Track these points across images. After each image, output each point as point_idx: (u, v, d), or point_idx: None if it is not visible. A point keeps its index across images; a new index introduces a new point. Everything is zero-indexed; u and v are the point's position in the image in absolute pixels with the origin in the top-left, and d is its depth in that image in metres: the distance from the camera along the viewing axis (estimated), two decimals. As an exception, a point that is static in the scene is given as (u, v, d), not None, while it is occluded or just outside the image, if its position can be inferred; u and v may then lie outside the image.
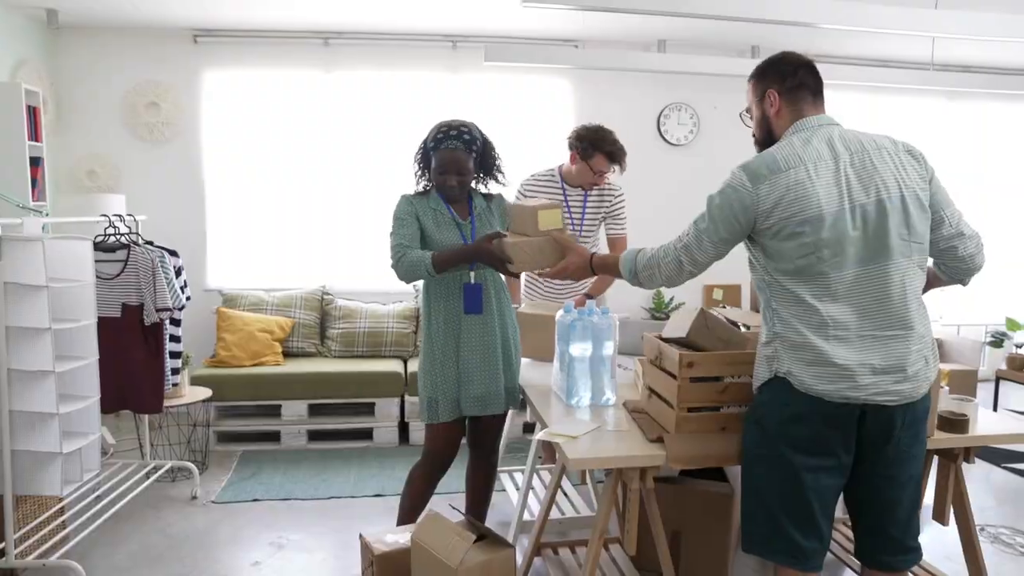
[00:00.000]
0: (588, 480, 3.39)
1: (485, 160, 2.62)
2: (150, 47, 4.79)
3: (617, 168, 3.22)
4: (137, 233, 3.41)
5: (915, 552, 1.89)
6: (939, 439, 2.16)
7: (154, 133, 4.83)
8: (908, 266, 1.76)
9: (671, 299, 5.24)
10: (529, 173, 3.38)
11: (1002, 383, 4.96)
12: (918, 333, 1.77)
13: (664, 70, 4.64)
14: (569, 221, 3.27)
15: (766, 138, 1.94)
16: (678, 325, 2.22)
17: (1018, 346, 4.95)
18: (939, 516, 2.31)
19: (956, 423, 2.17)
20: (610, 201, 3.34)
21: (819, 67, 1.97)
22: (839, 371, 1.71)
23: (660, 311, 5.18)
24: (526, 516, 2.97)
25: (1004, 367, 4.90)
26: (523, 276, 3.38)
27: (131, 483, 3.35)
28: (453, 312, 2.53)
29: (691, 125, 5.33)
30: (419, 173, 2.62)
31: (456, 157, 2.49)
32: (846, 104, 5.50)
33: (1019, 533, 3.26)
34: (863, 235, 1.73)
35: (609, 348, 2.43)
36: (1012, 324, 5.08)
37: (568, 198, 3.30)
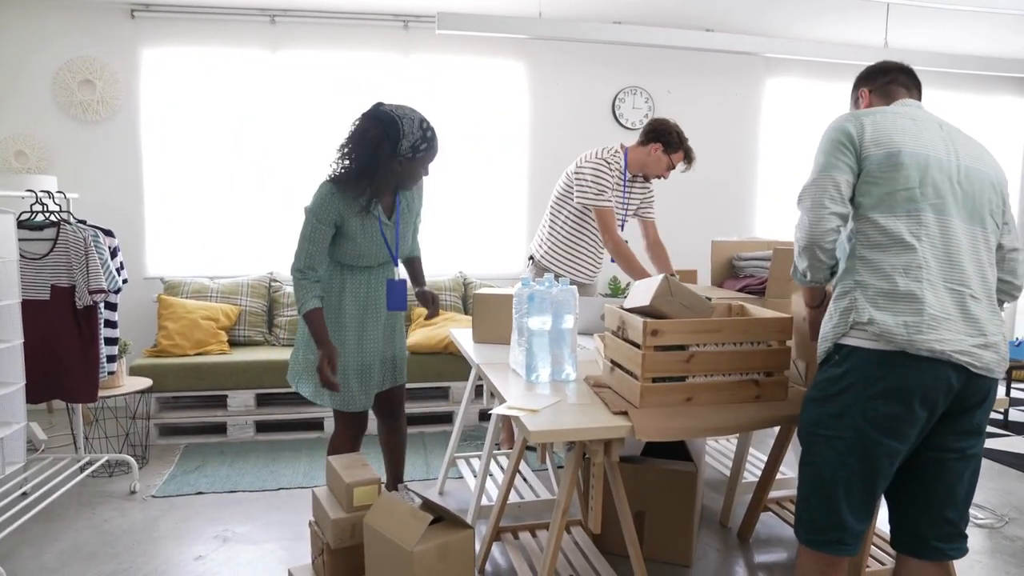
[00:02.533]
0: (548, 463, 3.32)
1: None
2: (83, 21, 4.53)
3: (687, 166, 3.48)
4: (68, 211, 3.20)
5: (966, 541, 1.79)
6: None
7: (88, 112, 4.57)
8: (994, 241, 1.76)
9: (627, 284, 5.20)
10: (591, 152, 3.38)
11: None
12: (995, 307, 1.72)
13: (620, 41, 4.58)
14: (623, 205, 3.50)
15: None
16: (641, 294, 2.15)
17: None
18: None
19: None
20: (646, 192, 3.58)
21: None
22: (926, 318, 1.60)
23: (616, 296, 5.13)
24: (484, 501, 2.87)
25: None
26: (575, 254, 3.51)
27: (62, 478, 3.15)
28: (371, 307, 2.54)
29: (646, 109, 5.30)
30: (350, 163, 2.36)
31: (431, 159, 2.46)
32: (798, 89, 5.56)
33: (973, 505, 3.29)
34: (964, 192, 1.72)
35: (569, 321, 2.35)
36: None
37: (626, 182, 3.46)
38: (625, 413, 1.95)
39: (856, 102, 2.02)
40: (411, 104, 2.48)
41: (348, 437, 2.61)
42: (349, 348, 2.51)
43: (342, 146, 2.40)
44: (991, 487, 3.54)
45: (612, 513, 2.58)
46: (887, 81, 1.93)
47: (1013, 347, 4.57)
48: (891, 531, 1.86)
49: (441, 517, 2.06)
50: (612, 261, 3.40)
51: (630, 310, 2.15)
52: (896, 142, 1.70)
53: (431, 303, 2.73)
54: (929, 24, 4.89)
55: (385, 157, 2.33)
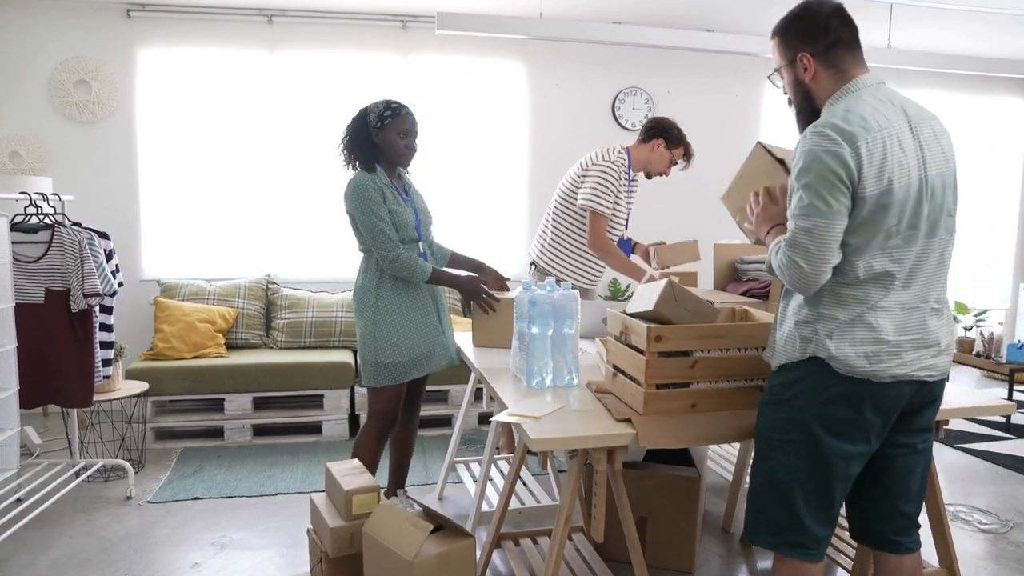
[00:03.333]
0: (549, 468, 3.28)
1: None
2: (79, 21, 4.50)
3: (685, 164, 3.47)
4: (63, 214, 3.16)
5: (918, 532, 1.81)
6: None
7: (84, 113, 4.53)
8: (949, 241, 1.69)
9: (627, 285, 5.18)
10: (598, 151, 3.37)
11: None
12: (947, 308, 1.71)
13: (621, 42, 4.55)
14: (628, 205, 3.50)
15: (805, 104, 1.77)
16: (644, 299, 2.12)
17: (967, 329, 5.03)
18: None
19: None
20: (635, 190, 3.57)
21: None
22: (885, 347, 1.60)
23: (616, 299, 5.11)
24: (484, 507, 2.84)
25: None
26: (575, 257, 3.48)
27: (57, 484, 3.11)
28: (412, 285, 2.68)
29: (646, 110, 5.28)
30: (351, 155, 2.66)
31: (415, 121, 2.65)
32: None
33: (976, 510, 3.27)
34: (930, 209, 1.63)
35: (571, 326, 2.32)
36: (960, 307, 5.17)
37: (630, 182, 3.46)
38: (628, 420, 1.92)
39: (793, 64, 1.73)
40: (410, 105, 2.69)
41: (376, 433, 2.68)
42: (412, 318, 2.66)
43: (340, 146, 2.69)
44: (994, 491, 3.51)
45: (614, 520, 2.55)
46: (830, 43, 1.67)
47: (1015, 350, 4.55)
48: (848, 523, 1.86)
49: (441, 525, 2.02)
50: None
51: (633, 315, 2.12)
52: (886, 176, 1.56)
53: (486, 272, 2.89)
54: (930, 24, 4.87)
55: (362, 134, 2.62)
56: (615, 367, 2.16)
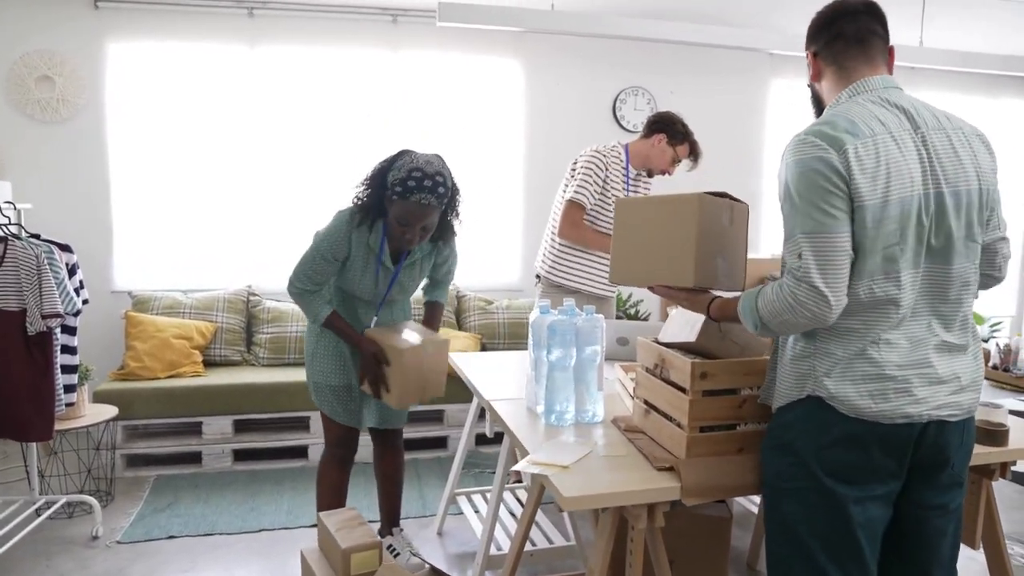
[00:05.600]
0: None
1: (450, 204, 2.39)
2: (41, 12, 4.16)
3: (692, 164, 3.27)
4: (19, 224, 2.85)
5: None
6: (976, 453, 1.87)
7: (47, 112, 4.20)
8: (970, 269, 1.49)
9: (630, 295, 4.94)
10: (589, 147, 3.20)
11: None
12: (969, 340, 1.52)
13: (625, 36, 4.29)
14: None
15: (816, 108, 1.66)
16: (681, 328, 1.86)
17: (984, 340, 4.85)
18: (968, 539, 2.04)
19: (995, 435, 1.90)
20: (647, 190, 3.35)
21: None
22: (896, 384, 1.42)
23: (618, 310, 4.87)
24: (492, 550, 2.56)
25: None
26: (581, 260, 3.24)
27: (15, 525, 2.80)
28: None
29: (648, 110, 5.03)
30: (363, 195, 2.33)
31: (426, 214, 2.25)
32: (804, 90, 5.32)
33: (1013, 540, 3.06)
34: (943, 228, 1.44)
35: (596, 355, 2.06)
36: (976, 318, 4.99)
37: (629, 180, 3.26)
38: (671, 468, 1.68)
39: (809, 67, 1.65)
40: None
41: (334, 459, 2.52)
42: (334, 360, 2.46)
43: (364, 179, 2.35)
44: (1020, 518, 3.31)
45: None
46: (831, 38, 1.55)
47: (1034, 361, 4.35)
48: None
49: (453, 590, 1.76)
50: None
51: (668, 345, 1.87)
52: (880, 184, 1.39)
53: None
54: (941, 23, 4.68)
55: (378, 191, 2.29)
56: (647, 403, 1.90)
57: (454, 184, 2.34)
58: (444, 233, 2.44)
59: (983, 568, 2.14)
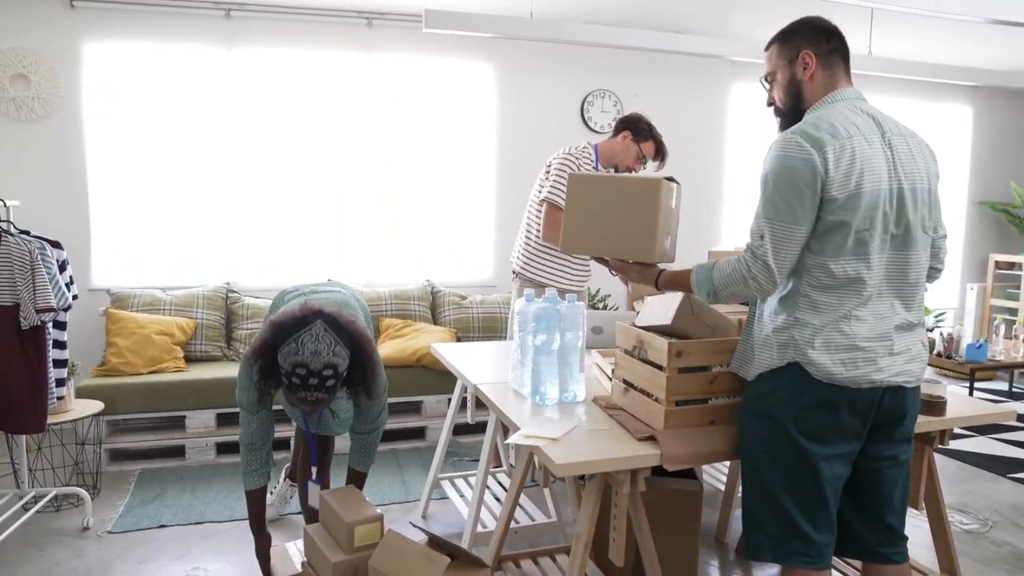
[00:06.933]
0: (542, 480, 3.18)
1: (359, 379, 2.17)
2: (15, 10, 4.16)
3: (659, 163, 3.39)
4: (9, 221, 2.90)
5: (906, 543, 1.84)
6: (919, 422, 2.09)
7: (23, 110, 4.21)
8: (925, 257, 1.76)
9: (599, 289, 5.13)
10: (562, 148, 3.34)
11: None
12: (920, 318, 1.79)
13: (593, 43, 4.50)
14: None
15: (794, 104, 1.83)
16: (658, 312, 2.04)
17: (929, 330, 5.16)
18: (913, 500, 2.26)
19: (935, 405, 2.13)
20: None
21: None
22: (861, 353, 1.65)
23: (588, 303, 5.05)
24: (478, 528, 2.72)
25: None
26: (555, 258, 3.40)
27: (5, 518, 2.85)
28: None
29: (614, 112, 5.24)
30: (258, 355, 2.07)
31: (315, 406, 2.06)
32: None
33: (953, 510, 3.33)
34: (904, 219, 1.69)
35: (577, 339, 2.23)
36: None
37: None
38: (650, 439, 1.85)
39: (793, 62, 1.80)
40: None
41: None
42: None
43: (256, 343, 2.09)
44: (967, 490, 3.59)
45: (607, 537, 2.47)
46: (831, 49, 1.78)
47: (974, 349, 4.68)
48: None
49: (453, 555, 1.91)
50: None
51: (646, 329, 2.04)
52: (854, 180, 1.62)
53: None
54: (892, 32, 4.97)
55: (272, 359, 2.05)
56: (626, 382, 2.08)
57: (363, 357, 2.12)
58: (366, 388, 2.19)
59: (927, 534, 2.37)
